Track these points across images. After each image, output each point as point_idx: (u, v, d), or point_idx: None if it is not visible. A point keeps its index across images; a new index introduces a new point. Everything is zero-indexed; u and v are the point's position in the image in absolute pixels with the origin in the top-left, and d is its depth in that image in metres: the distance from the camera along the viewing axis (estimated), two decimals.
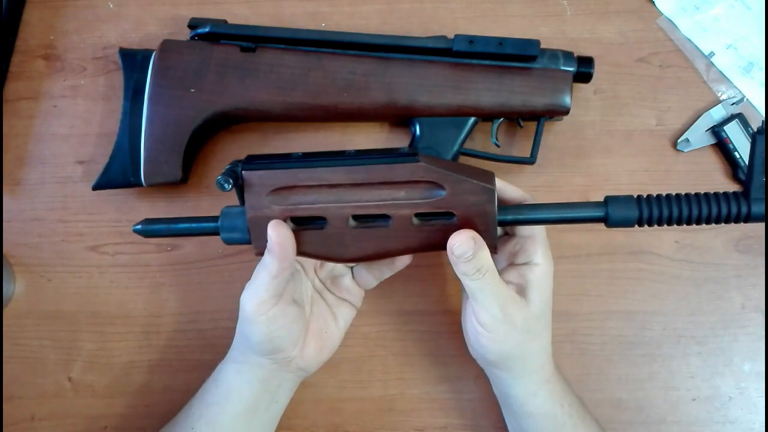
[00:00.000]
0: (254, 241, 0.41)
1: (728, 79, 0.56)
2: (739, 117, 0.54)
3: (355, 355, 0.54)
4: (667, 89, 0.56)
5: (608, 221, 0.40)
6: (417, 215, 0.40)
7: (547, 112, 0.51)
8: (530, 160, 0.52)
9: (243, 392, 0.46)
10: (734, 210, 0.38)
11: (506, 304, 0.42)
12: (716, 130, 0.54)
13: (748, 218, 0.38)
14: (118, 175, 0.52)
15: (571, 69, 0.51)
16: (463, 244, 0.39)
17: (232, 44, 0.52)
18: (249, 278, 0.46)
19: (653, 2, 0.57)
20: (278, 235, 0.40)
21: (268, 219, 0.40)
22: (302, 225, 0.41)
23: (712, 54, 0.56)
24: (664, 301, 0.54)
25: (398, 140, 0.56)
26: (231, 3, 0.58)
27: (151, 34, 0.58)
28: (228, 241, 0.42)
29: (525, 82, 0.51)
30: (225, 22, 0.53)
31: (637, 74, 0.56)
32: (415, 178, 0.39)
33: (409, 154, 0.40)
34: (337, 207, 0.40)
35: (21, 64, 0.57)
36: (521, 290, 0.44)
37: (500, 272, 0.44)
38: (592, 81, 0.52)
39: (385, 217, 0.40)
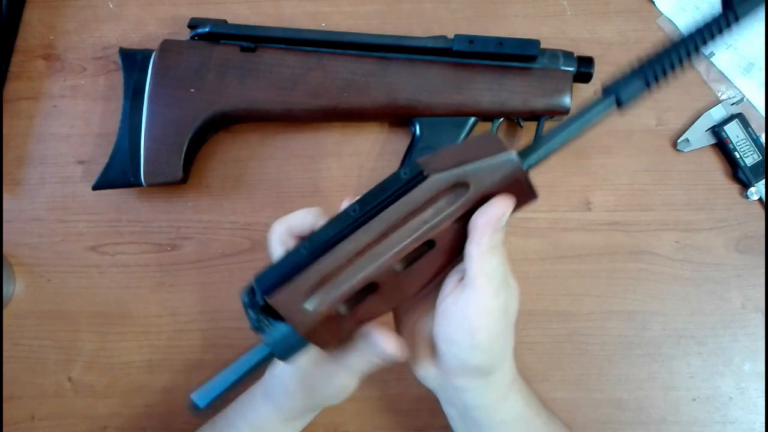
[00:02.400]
0: (320, 345, 0.38)
1: (728, 79, 0.56)
2: (739, 117, 0.54)
3: None
4: (667, 89, 0.56)
5: (621, 103, 0.37)
6: (455, 222, 0.37)
7: (547, 112, 0.51)
8: None
9: None
10: (723, 23, 0.37)
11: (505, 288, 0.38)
12: (716, 130, 0.54)
13: (737, 20, 0.37)
14: (118, 175, 0.52)
15: (571, 69, 0.51)
16: (510, 206, 0.36)
17: (232, 44, 0.52)
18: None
19: (653, 2, 0.57)
20: (394, 346, 0.38)
21: (323, 320, 0.36)
22: (357, 301, 0.37)
23: (712, 54, 0.56)
24: (665, 301, 0.54)
25: (398, 140, 0.56)
26: (231, 3, 0.58)
27: (151, 34, 0.58)
28: (290, 360, 0.38)
29: (525, 82, 0.51)
30: (225, 22, 0.53)
31: None
32: (434, 193, 0.36)
33: (415, 175, 0.36)
34: (378, 267, 0.36)
35: (21, 64, 0.57)
36: None
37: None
38: (592, 81, 0.52)
39: (428, 244, 0.37)
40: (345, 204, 0.40)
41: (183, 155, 0.51)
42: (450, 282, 0.39)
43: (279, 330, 0.36)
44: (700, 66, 0.56)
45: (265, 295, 0.35)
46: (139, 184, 0.52)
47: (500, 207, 0.36)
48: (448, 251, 0.38)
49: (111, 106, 0.56)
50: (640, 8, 0.57)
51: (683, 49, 0.37)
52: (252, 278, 0.36)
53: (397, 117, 0.53)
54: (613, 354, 0.54)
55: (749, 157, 0.53)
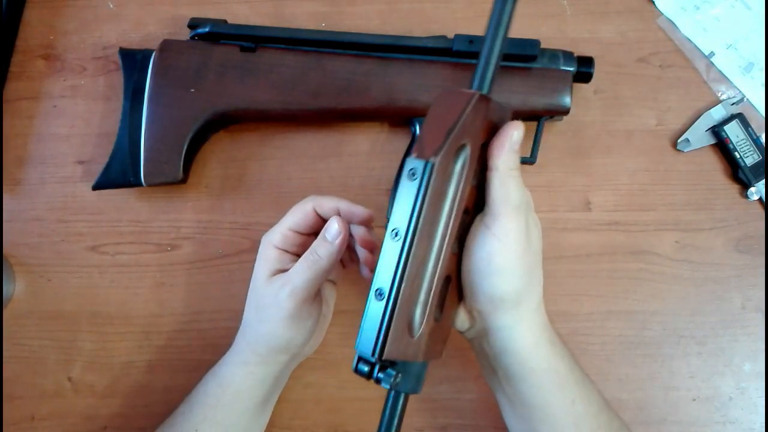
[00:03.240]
0: (435, 357, 0.39)
1: (728, 79, 0.56)
2: (739, 117, 0.54)
3: None
4: (667, 89, 0.56)
5: None
6: (474, 180, 0.38)
7: (547, 112, 0.51)
8: (530, 160, 0.52)
9: (255, 392, 0.47)
10: None
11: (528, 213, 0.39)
12: (716, 130, 0.54)
13: None
14: (118, 175, 0.52)
15: (571, 69, 0.51)
16: (519, 127, 0.37)
17: (232, 44, 0.52)
18: (249, 278, 0.46)
19: (653, 2, 0.57)
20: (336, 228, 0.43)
21: (429, 335, 0.37)
22: (443, 300, 0.39)
23: (712, 54, 0.56)
24: (665, 301, 0.54)
25: (398, 140, 0.56)
26: (231, 3, 0.58)
27: (151, 34, 0.58)
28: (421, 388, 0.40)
29: (525, 82, 0.51)
30: (225, 22, 0.53)
31: (637, 74, 0.56)
32: (445, 172, 0.36)
33: (422, 171, 0.35)
34: (443, 263, 0.37)
35: (21, 64, 0.57)
36: None
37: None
38: (592, 81, 0.52)
39: (465, 213, 0.38)
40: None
41: (183, 155, 0.51)
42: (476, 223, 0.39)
43: (407, 374, 0.37)
44: (700, 66, 0.56)
45: (380, 356, 0.35)
46: (139, 184, 0.52)
47: (506, 130, 0.37)
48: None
49: (111, 106, 0.56)
50: (640, 8, 0.57)
51: None
52: (355, 351, 0.36)
53: (397, 117, 0.53)
54: (613, 354, 0.54)
55: (749, 157, 0.53)
